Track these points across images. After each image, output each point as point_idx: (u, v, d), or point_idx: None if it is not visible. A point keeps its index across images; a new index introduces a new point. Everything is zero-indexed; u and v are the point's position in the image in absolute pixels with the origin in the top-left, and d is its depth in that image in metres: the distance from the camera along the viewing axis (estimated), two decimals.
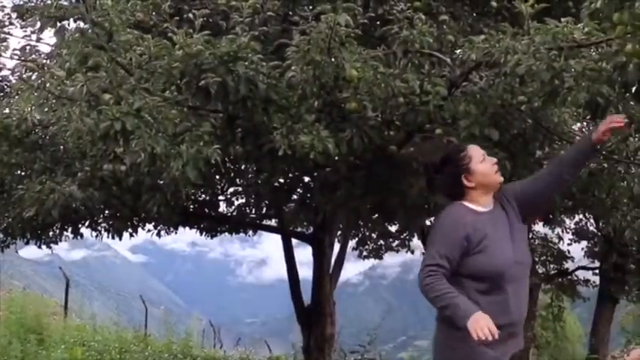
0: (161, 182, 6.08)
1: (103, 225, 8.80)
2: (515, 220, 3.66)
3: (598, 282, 15.38)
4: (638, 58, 3.81)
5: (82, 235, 8.96)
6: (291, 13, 6.31)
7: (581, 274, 16.02)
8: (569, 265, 15.81)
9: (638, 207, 8.74)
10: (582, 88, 3.85)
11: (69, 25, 6.20)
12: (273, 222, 12.98)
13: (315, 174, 6.43)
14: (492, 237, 3.49)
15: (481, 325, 3.19)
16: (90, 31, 4.87)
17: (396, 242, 14.27)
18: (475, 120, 4.67)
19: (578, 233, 15.02)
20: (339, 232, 13.35)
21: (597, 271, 15.32)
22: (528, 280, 3.65)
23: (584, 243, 15.37)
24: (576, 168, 3.72)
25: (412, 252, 14.58)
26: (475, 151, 3.66)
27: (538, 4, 4.22)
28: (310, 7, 6.58)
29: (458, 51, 5.16)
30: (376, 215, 7.51)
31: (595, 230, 14.80)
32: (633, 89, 3.97)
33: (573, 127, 5.63)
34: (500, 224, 3.59)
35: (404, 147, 5.54)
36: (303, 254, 14.32)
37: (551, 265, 15.48)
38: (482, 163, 3.61)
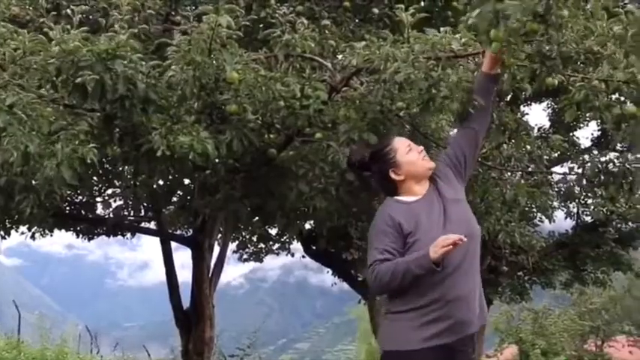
0: (35, 182, 5.86)
1: None
2: (452, 192, 3.68)
3: None
4: (512, 69, 3.95)
5: None
6: (173, 13, 6.21)
7: None
8: None
9: (510, 211, 9.09)
10: (456, 99, 3.93)
11: None
12: (152, 224, 12.78)
13: (196, 175, 6.35)
14: (424, 227, 3.48)
15: (439, 243, 3.27)
16: None
17: (277, 245, 14.29)
18: (354, 125, 4.72)
19: None
20: (219, 235, 13.25)
21: None
22: (478, 249, 3.64)
23: None
24: (487, 92, 3.86)
25: (292, 255, 14.66)
26: (400, 143, 3.67)
27: (419, 13, 4.30)
28: (193, 8, 6.52)
29: (339, 56, 5.20)
30: (256, 218, 7.47)
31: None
32: (507, 98, 4.12)
33: (451, 133, 5.78)
34: (435, 207, 3.58)
35: (284, 150, 5.54)
36: (184, 257, 14.16)
37: None
38: (407, 154, 3.62)
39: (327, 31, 6.66)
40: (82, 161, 4.49)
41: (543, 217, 11.72)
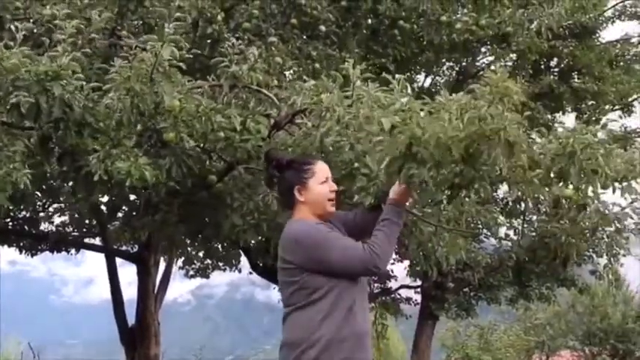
0: None
1: None
2: None
3: (420, 300, 15.94)
4: None
5: None
6: (119, 27, 6.17)
7: (404, 293, 16.54)
8: (392, 284, 16.30)
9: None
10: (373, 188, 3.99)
11: None
12: (97, 240, 12.66)
13: (143, 190, 6.32)
14: None
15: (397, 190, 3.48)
16: None
17: (223, 261, 14.22)
18: None
19: (400, 254, 15.51)
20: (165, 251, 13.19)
21: (419, 289, 15.86)
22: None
23: (406, 262, 15.89)
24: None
25: (239, 271, 14.60)
26: (321, 171, 3.60)
27: (366, 63, 4.35)
28: (140, 22, 6.50)
29: (285, 92, 5.18)
30: (192, 239, 7.48)
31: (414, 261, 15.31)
32: None
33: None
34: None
35: (225, 177, 5.55)
36: (130, 273, 14.04)
37: (375, 284, 15.90)
38: (321, 184, 3.57)
39: (273, 48, 6.70)
40: (15, 185, 4.47)
41: (489, 233, 11.87)
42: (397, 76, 4.00)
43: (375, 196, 3.86)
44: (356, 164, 4.12)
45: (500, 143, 3.11)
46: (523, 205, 10.98)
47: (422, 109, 3.29)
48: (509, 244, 13.52)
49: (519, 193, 3.68)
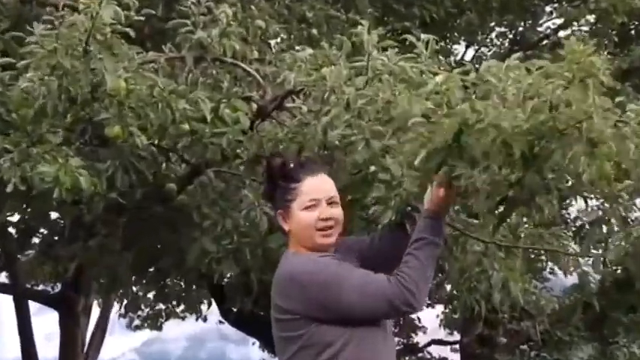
0: None
1: None
2: None
3: None
4: None
5: None
6: None
7: (436, 351, 16.57)
8: (419, 339, 16.32)
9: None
10: (395, 200, 4.04)
11: None
12: (2, 276, 12.72)
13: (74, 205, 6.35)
14: None
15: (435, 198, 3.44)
16: None
17: (182, 306, 14.20)
18: None
19: (431, 295, 15.54)
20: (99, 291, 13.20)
21: (457, 346, 15.86)
22: None
23: (439, 308, 15.89)
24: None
25: (205, 319, 14.59)
26: (308, 191, 3.60)
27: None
28: None
29: (270, 68, 5.23)
30: (151, 271, 7.52)
31: (454, 292, 15.32)
32: None
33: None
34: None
35: (189, 186, 5.60)
36: (49, 323, 14.07)
37: (396, 339, 15.97)
38: (305, 210, 3.58)
39: (253, 8, 6.73)
40: None
41: (556, 268, 11.92)
42: (423, 36, 4.07)
43: (398, 210, 3.83)
44: (372, 167, 4.08)
45: (581, 140, 3.07)
46: (605, 228, 11.06)
47: (465, 85, 3.31)
48: (591, 280, 13.57)
49: (600, 212, 3.74)
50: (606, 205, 3.91)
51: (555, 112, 3.06)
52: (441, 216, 3.52)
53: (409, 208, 3.81)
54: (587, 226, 11.20)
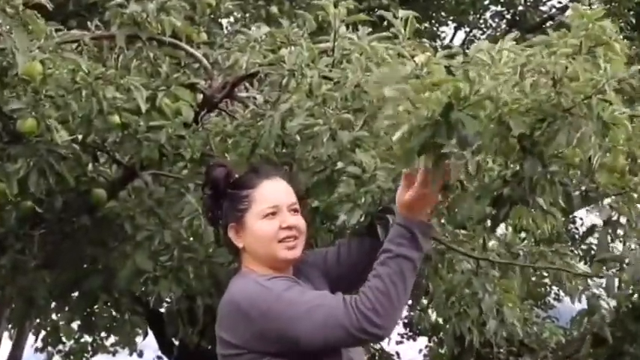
0: None
1: None
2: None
3: None
4: None
5: None
6: None
7: None
8: None
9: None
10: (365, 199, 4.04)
11: None
12: None
13: None
14: None
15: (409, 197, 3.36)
16: None
17: (112, 338, 14.12)
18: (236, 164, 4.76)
19: (412, 325, 15.56)
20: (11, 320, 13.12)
21: None
22: None
23: (422, 341, 15.96)
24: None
25: (140, 354, 14.56)
26: (263, 197, 3.61)
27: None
28: None
29: (219, 51, 5.22)
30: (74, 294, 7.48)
31: (439, 320, 15.37)
32: None
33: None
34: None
35: (120, 191, 5.59)
36: None
37: None
38: (264, 219, 3.58)
39: None
40: None
41: (561, 293, 11.97)
42: (401, 12, 4.05)
43: (367, 210, 3.81)
44: (339, 163, 4.03)
45: (591, 117, 3.00)
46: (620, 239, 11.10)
47: (451, 71, 3.19)
48: (604, 306, 13.62)
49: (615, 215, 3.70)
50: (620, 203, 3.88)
51: (560, 87, 3.00)
52: (415, 221, 3.41)
53: (380, 209, 3.77)
54: (596, 234, 11.31)
